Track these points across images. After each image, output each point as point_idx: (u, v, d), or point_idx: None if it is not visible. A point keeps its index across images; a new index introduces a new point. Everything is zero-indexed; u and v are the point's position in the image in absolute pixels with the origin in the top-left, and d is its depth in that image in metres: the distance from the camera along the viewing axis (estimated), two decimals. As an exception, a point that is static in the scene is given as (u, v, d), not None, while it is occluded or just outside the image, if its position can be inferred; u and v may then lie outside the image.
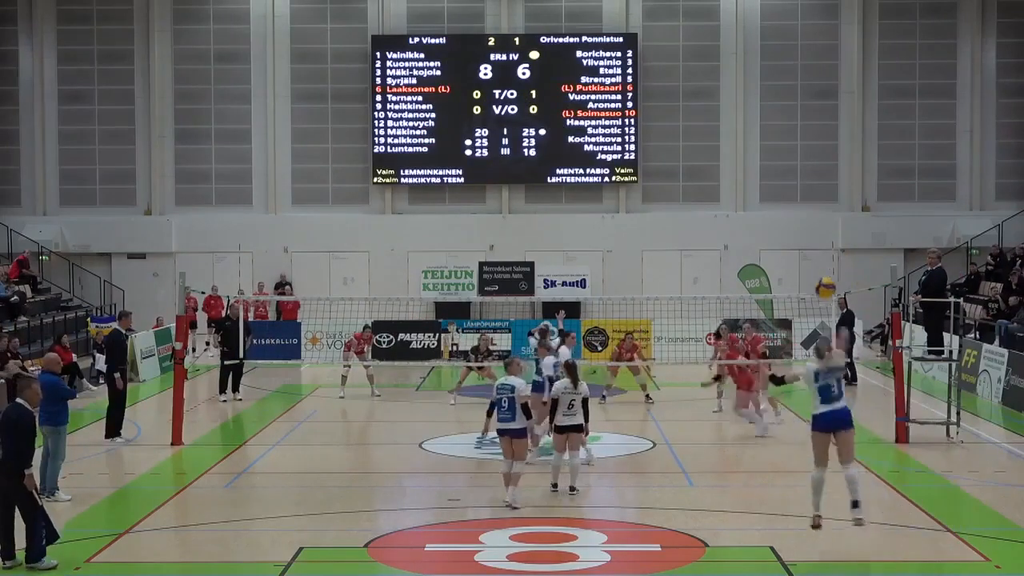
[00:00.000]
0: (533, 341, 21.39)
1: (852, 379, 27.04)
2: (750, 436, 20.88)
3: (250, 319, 32.95)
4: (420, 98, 36.39)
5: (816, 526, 13.53)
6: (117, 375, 20.01)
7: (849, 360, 26.81)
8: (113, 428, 20.16)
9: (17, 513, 12.68)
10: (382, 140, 36.39)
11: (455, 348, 32.52)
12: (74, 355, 26.33)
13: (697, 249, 36.52)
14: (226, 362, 25.00)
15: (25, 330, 28.61)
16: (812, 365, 13.51)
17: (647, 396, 24.57)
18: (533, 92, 36.24)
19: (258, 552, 13.86)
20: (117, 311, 35.22)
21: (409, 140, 36.40)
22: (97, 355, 27.28)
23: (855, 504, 13.41)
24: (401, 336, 32.40)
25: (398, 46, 36.31)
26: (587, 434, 17.11)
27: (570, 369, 16.06)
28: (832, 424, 13.32)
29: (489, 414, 18.60)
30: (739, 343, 22.47)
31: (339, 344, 31.33)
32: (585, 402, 16.47)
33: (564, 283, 34.85)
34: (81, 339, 30.77)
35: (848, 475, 13.39)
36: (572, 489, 16.00)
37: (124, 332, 21.33)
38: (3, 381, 22.05)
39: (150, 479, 17.64)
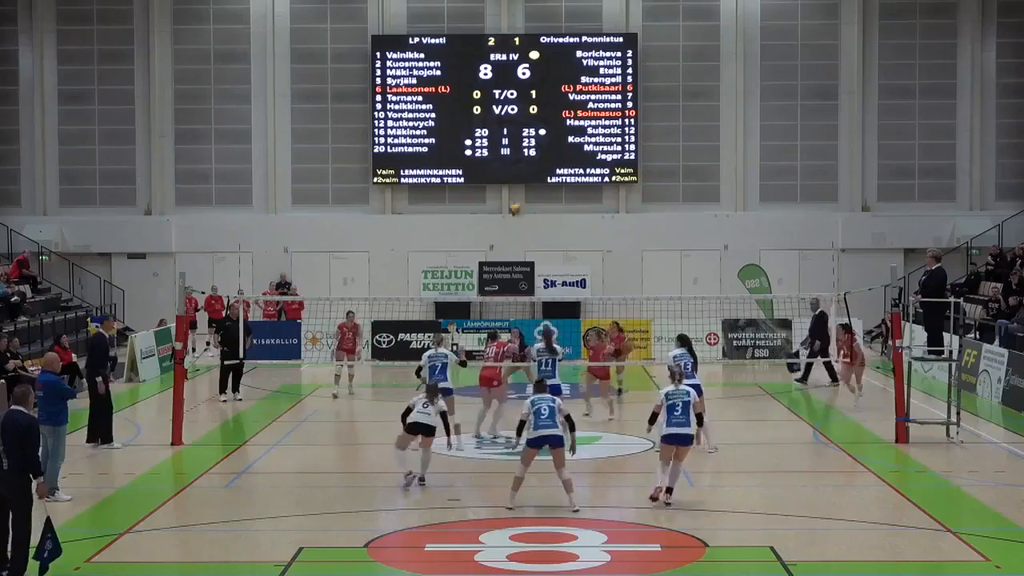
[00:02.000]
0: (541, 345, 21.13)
1: (834, 380, 27.07)
2: (750, 436, 20.90)
3: (259, 319, 33.10)
4: (420, 98, 36.39)
5: (654, 499, 15.53)
6: (99, 379, 19.75)
7: (827, 360, 26.93)
8: (97, 433, 19.84)
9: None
10: (382, 140, 36.39)
11: (455, 348, 32.44)
12: (74, 355, 26.29)
13: (697, 249, 36.52)
14: (226, 362, 24.98)
15: (25, 330, 28.62)
16: (666, 389, 15.75)
17: (619, 390, 24.52)
18: (533, 92, 36.24)
19: (258, 552, 13.87)
20: (117, 311, 35.41)
21: (409, 140, 36.40)
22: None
23: (669, 490, 15.46)
24: (401, 336, 32.38)
25: (398, 46, 36.31)
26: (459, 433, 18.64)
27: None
28: (675, 441, 15.46)
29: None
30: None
31: (337, 337, 31.17)
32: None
33: (564, 283, 34.85)
34: (81, 339, 30.74)
35: (673, 469, 15.49)
36: (421, 480, 16.69)
37: (107, 335, 21.16)
38: (3, 382, 22.04)
39: (150, 479, 17.63)
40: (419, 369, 19.91)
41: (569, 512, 15.14)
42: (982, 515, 15.25)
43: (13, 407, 12.70)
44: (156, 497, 16.19)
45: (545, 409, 15.22)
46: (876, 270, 32.05)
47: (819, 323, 26.76)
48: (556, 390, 19.46)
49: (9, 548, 12.34)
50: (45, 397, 16.30)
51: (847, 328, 24.39)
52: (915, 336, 23.09)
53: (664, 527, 14.45)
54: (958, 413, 20.34)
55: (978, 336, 27.78)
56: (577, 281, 34.89)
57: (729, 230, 36.53)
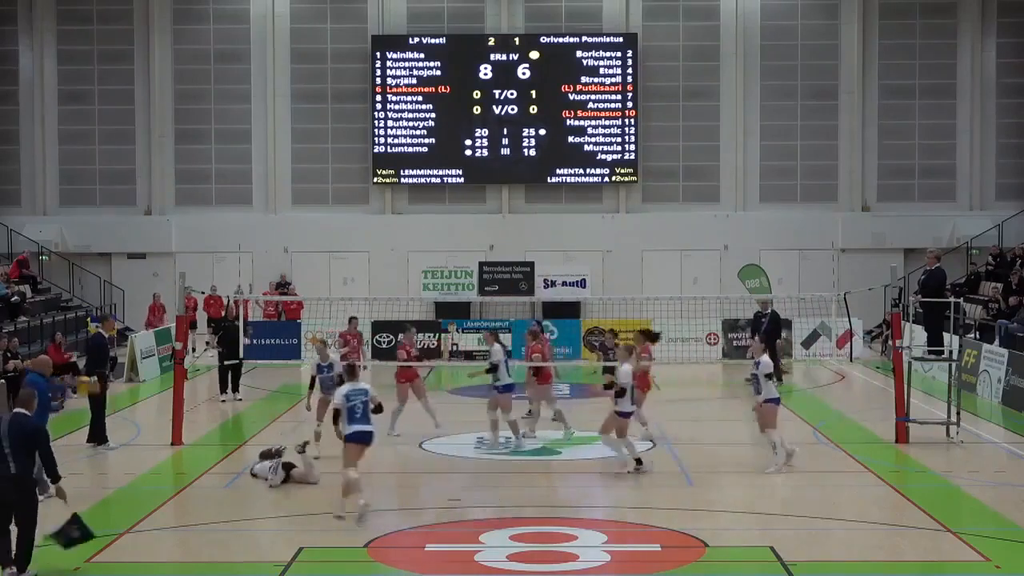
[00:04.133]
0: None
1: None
2: (750, 436, 20.88)
3: (259, 319, 33.10)
4: (420, 98, 36.39)
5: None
6: (93, 378, 19.68)
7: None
8: (97, 434, 19.86)
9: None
10: (382, 140, 36.39)
11: (455, 348, 32.51)
12: (73, 355, 26.32)
13: (697, 249, 36.52)
14: (226, 362, 24.98)
15: (25, 330, 28.63)
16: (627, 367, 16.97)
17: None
18: (533, 92, 36.24)
19: (258, 552, 13.86)
20: (116, 311, 35.41)
21: (409, 140, 36.40)
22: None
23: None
24: (401, 336, 32.31)
25: (398, 46, 36.31)
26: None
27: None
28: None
29: None
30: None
31: (339, 345, 31.16)
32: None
33: (564, 283, 34.85)
34: (81, 339, 30.74)
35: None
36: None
37: (107, 335, 21.14)
38: (2, 382, 22.05)
39: (150, 479, 17.63)
40: (309, 392, 19.52)
41: (568, 512, 15.11)
42: (982, 515, 15.25)
43: (16, 410, 12.71)
44: (156, 497, 16.19)
45: (359, 406, 14.80)
46: (876, 270, 32.03)
47: (769, 328, 26.92)
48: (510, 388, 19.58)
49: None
50: (30, 398, 16.16)
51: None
52: (915, 336, 23.09)
53: (664, 527, 14.44)
54: (958, 413, 20.33)
55: (978, 336, 27.78)
56: (577, 281, 34.89)
57: (729, 230, 36.54)
